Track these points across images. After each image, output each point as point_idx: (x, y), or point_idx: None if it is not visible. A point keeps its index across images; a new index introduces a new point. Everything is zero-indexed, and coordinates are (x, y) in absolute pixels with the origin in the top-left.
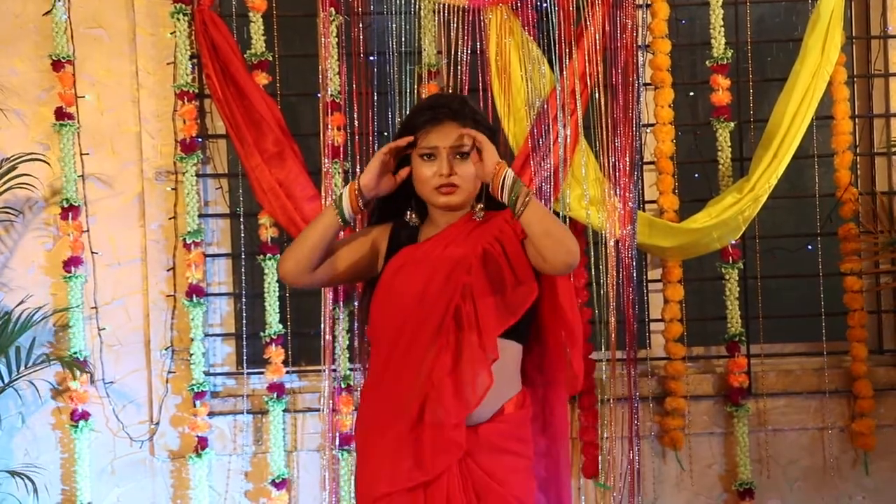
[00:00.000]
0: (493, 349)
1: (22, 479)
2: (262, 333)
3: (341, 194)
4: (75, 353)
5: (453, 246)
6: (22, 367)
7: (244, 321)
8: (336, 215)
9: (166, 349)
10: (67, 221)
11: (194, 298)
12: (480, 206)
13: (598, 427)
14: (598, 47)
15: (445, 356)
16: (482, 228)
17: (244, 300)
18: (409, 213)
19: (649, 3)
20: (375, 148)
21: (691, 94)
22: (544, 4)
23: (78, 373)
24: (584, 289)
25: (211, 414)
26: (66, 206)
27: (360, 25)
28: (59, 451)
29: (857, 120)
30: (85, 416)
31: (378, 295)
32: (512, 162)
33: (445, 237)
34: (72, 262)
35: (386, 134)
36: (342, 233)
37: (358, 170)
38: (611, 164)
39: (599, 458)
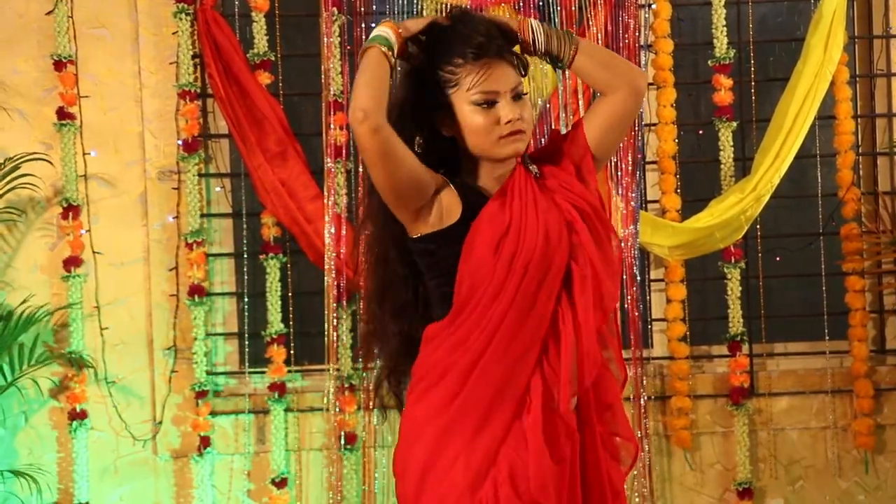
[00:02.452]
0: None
1: (25, 478)
2: (264, 333)
3: (378, 35)
4: (71, 351)
5: (539, 201)
6: (25, 366)
7: (246, 320)
8: (381, 50)
9: (169, 349)
10: (68, 221)
11: (196, 298)
12: (534, 166)
13: None
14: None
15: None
16: (548, 181)
17: (246, 299)
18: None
19: (651, 2)
20: None
21: (691, 94)
22: (546, 4)
23: (80, 371)
24: None
25: (213, 413)
26: (66, 205)
27: (363, 25)
28: (59, 450)
29: (859, 120)
30: (82, 415)
31: (485, 258)
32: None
33: (523, 193)
34: (71, 262)
35: None
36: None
37: (360, 169)
38: (613, 164)
39: None
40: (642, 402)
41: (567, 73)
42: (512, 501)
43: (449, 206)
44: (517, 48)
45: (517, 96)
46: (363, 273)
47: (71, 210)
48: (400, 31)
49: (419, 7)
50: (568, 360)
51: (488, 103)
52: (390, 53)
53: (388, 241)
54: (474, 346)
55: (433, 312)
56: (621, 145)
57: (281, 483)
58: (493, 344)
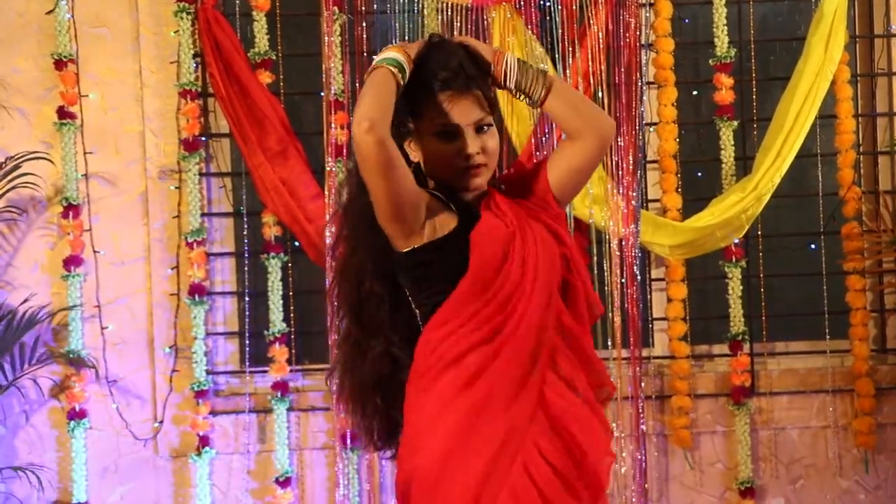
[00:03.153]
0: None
1: (26, 474)
2: (266, 332)
3: (387, 56)
4: (69, 350)
5: (523, 216)
6: (26, 365)
7: (247, 320)
8: (389, 69)
9: (170, 348)
10: (68, 220)
11: (196, 297)
12: (503, 185)
13: None
14: (601, 46)
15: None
16: (521, 201)
17: (247, 299)
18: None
19: (652, 1)
20: None
21: (695, 92)
22: (547, 3)
23: (79, 370)
24: None
25: (214, 413)
26: (66, 205)
27: (364, 24)
28: (59, 449)
29: (860, 119)
30: (81, 414)
31: (494, 260)
32: (515, 159)
33: (510, 208)
34: (71, 262)
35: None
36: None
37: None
38: (614, 163)
39: None
40: (640, 401)
41: (568, 67)
42: (551, 480)
43: (442, 218)
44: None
45: (480, 128)
46: (335, 296)
47: (71, 209)
48: (408, 52)
49: (419, 6)
50: (590, 354)
51: (448, 135)
52: (399, 74)
53: (366, 262)
54: (497, 331)
55: (422, 322)
56: (622, 144)
57: (285, 482)
58: (520, 332)
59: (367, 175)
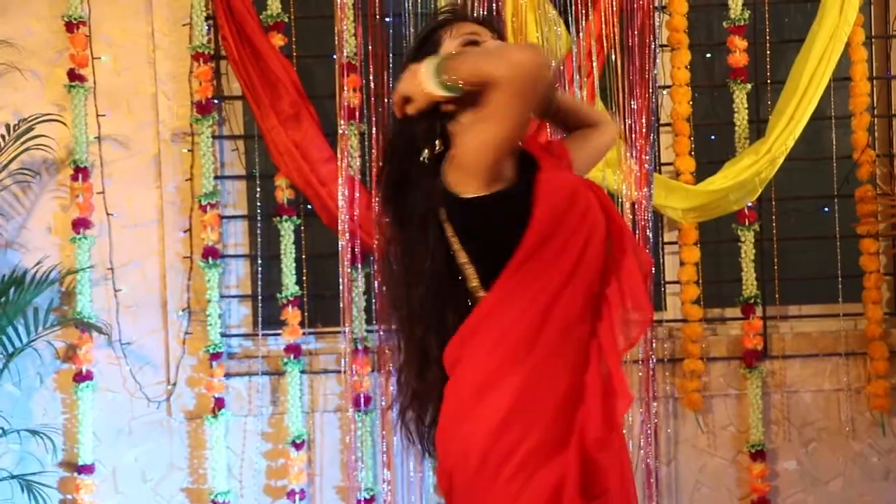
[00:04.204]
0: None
1: (41, 437)
2: (278, 295)
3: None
4: (78, 313)
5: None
6: (40, 328)
7: (260, 282)
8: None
9: (183, 310)
10: (78, 183)
11: (210, 260)
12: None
13: None
14: (614, 8)
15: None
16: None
17: (260, 261)
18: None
19: None
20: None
21: (708, 55)
22: None
23: (85, 333)
24: None
25: (227, 375)
26: (75, 167)
27: None
28: (69, 411)
29: (874, 81)
30: (88, 376)
31: (562, 207)
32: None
33: (556, 159)
34: (80, 224)
35: None
36: None
37: (374, 131)
38: (627, 126)
39: None
40: (652, 364)
41: (581, 30)
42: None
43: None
44: None
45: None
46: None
47: (80, 172)
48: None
49: None
50: (646, 307)
51: (473, 44)
52: None
53: (429, 222)
54: (550, 286)
55: (469, 282)
56: (635, 107)
57: (299, 444)
58: (571, 285)
59: (516, 109)
